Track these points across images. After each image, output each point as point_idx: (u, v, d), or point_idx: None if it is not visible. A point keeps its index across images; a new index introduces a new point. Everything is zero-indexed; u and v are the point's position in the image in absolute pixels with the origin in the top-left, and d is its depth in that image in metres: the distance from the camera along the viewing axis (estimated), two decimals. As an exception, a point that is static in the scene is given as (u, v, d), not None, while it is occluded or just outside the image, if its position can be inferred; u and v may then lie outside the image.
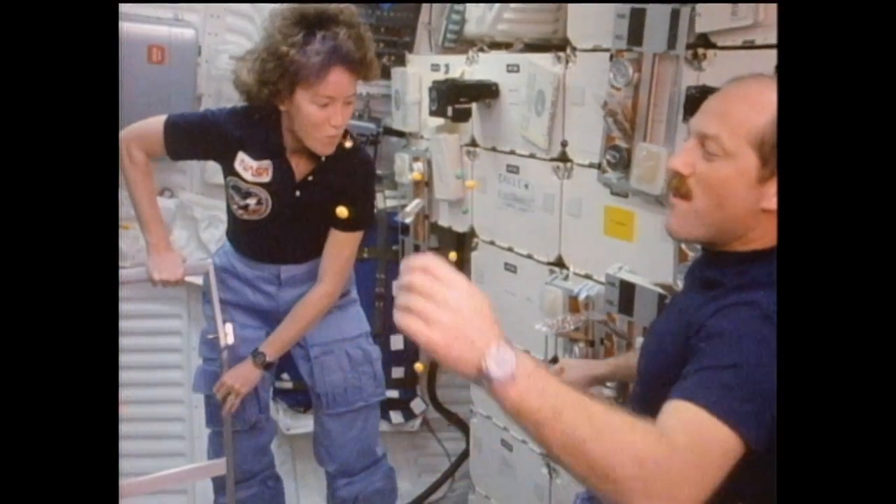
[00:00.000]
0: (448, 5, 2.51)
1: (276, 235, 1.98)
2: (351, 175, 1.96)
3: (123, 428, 2.33)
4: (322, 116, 1.80)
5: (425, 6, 2.75)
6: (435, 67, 2.54)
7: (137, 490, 1.95)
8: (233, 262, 2.07)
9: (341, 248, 1.99)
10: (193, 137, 1.94)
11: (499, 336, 0.88)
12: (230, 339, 2.02)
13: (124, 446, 2.43)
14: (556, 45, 2.13)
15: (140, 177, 1.98)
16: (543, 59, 2.10)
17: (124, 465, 2.26)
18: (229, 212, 2.03)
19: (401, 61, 2.77)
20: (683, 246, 1.72)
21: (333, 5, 1.83)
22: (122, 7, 2.45)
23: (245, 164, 1.90)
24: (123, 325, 2.56)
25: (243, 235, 2.04)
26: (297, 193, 1.92)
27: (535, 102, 2.11)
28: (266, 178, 1.91)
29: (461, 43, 2.51)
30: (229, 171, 1.94)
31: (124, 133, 1.99)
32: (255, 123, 1.90)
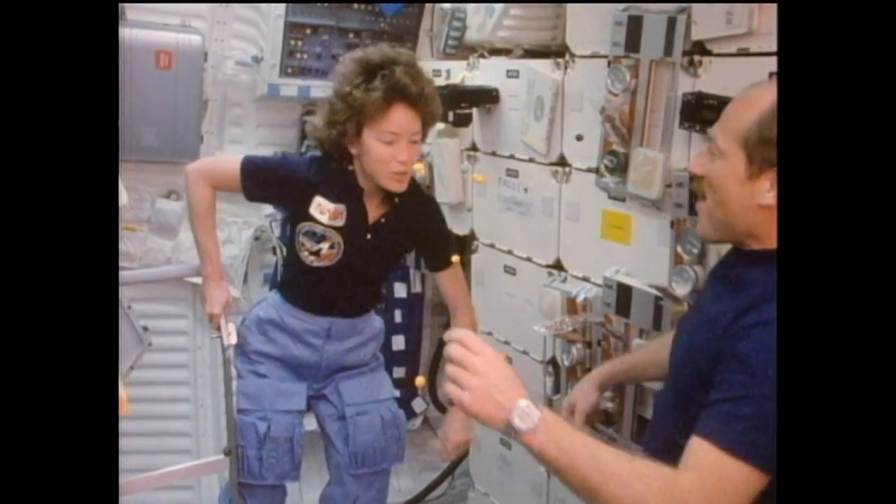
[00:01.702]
0: (449, 13, 2.55)
1: (339, 284, 2.00)
2: (420, 216, 2.01)
3: (131, 426, 2.39)
4: (388, 153, 1.85)
5: (427, 13, 2.79)
6: (436, 73, 2.56)
7: (144, 486, 1.98)
8: (281, 315, 2.07)
9: (453, 280, 2.09)
10: (271, 182, 1.98)
11: (523, 395, 1.05)
12: (233, 339, 2.04)
13: (132, 443, 2.51)
14: (555, 51, 2.16)
15: (203, 210, 2.03)
16: (542, 66, 2.13)
17: (131, 461, 2.32)
18: (291, 262, 2.04)
19: (403, 66, 2.81)
20: (679, 249, 1.75)
21: (394, 50, 1.90)
22: (131, 14, 2.50)
23: (322, 207, 1.94)
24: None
25: (304, 285, 2.04)
26: (368, 236, 1.96)
27: (534, 108, 2.14)
28: (340, 222, 1.94)
29: (462, 49, 2.54)
30: (303, 216, 1.96)
31: (194, 166, 2.04)
32: (331, 168, 1.95)
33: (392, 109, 1.83)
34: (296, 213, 1.99)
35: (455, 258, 2.09)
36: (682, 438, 1.12)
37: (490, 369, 1.06)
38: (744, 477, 1.03)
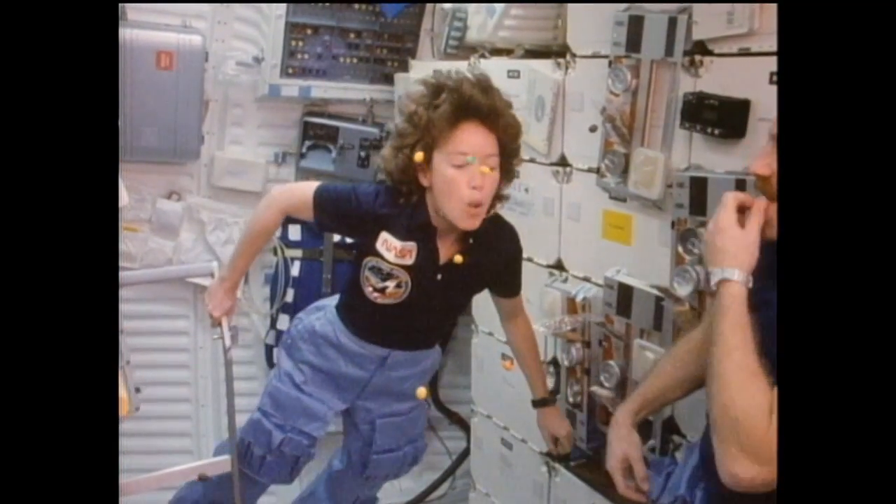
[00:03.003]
0: (450, 13, 2.55)
1: (403, 321, 1.90)
2: (497, 253, 1.87)
3: (131, 426, 2.39)
4: (461, 178, 1.68)
5: (427, 13, 2.79)
6: (437, 74, 2.57)
7: (144, 487, 1.98)
8: (338, 335, 1.99)
9: (517, 303, 2.00)
10: (339, 213, 1.86)
11: (729, 265, 1.20)
12: (227, 342, 2.02)
13: (132, 444, 2.51)
14: (556, 51, 2.16)
15: (259, 231, 1.94)
16: (543, 66, 2.13)
17: (131, 462, 2.32)
18: (354, 292, 1.90)
19: (404, 67, 2.81)
20: (680, 249, 1.75)
21: (465, 72, 1.78)
22: (132, 14, 2.50)
23: (388, 244, 1.80)
24: (131, 325, 2.62)
25: (365, 317, 1.94)
26: (439, 276, 1.83)
27: (535, 108, 2.14)
28: (409, 261, 1.80)
29: (463, 49, 2.55)
30: (369, 251, 1.83)
31: (278, 189, 1.96)
32: (401, 203, 1.79)
33: (461, 126, 1.68)
34: (363, 245, 1.87)
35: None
36: None
37: (716, 236, 1.24)
38: None
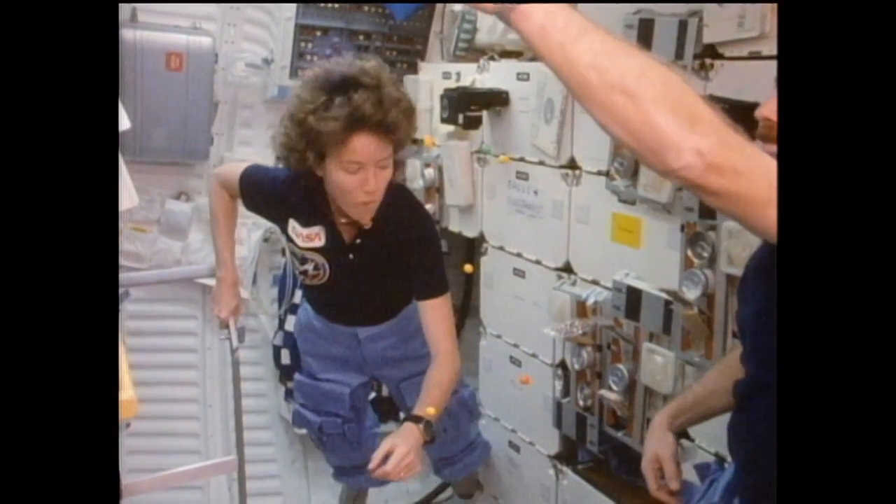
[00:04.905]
0: (459, 15, 2.55)
1: (345, 299, 1.96)
2: (403, 230, 1.86)
3: (138, 426, 2.40)
4: (353, 182, 1.70)
5: (437, 15, 2.79)
6: (446, 75, 2.57)
7: (151, 486, 1.99)
8: (312, 321, 2.09)
9: (437, 314, 1.84)
10: (256, 197, 1.94)
11: None
12: (234, 343, 2.08)
13: (139, 443, 2.52)
14: (566, 54, 2.16)
15: (216, 212, 2.04)
16: (553, 68, 2.13)
17: (139, 461, 2.34)
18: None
19: (413, 69, 2.81)
20: (689, 252, 1.74)
21: (357, 66, 1.72)
22: (142, 16, 2.52)
23: (296, 230, 1.86)
24: (139, 325, 2.65)
25: (315, 299, 2.06)
26: (351, 256, 1.87)
27: (544, 110, 2.14)
28: (319, 243, 1.86)
29: (472, 51, 2.55)
30: (287, 237, 1.91)
31: (217, 171, 2.09)
32: (302, 189, 1.83)
33: (353, 138, 1.66)
34: (281, 231, 1.95)
35: (446, 294, 1.85)
36: None
37: None
38: None
